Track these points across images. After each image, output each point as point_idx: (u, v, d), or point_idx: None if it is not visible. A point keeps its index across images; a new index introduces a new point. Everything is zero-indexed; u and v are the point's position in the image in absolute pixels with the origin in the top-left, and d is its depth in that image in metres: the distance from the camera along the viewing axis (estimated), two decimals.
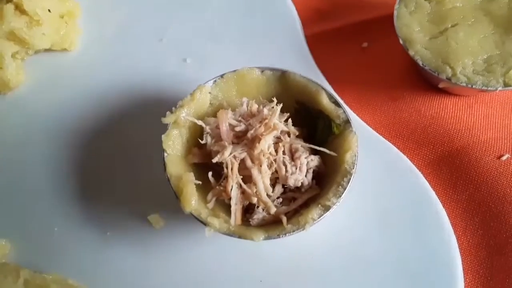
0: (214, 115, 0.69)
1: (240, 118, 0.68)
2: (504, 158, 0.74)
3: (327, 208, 0.61)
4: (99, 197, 0.76)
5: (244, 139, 0.66)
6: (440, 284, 0.66)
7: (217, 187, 0.64)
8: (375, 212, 0.71)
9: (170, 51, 0.90)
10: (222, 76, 0.72)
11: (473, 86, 0.72)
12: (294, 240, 0.63)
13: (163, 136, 0.66)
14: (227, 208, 0.64)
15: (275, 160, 0.64)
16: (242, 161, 0.64)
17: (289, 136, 0.67)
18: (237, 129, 0.66)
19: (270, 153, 0.64)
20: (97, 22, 0.95)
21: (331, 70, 0.85)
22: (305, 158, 0.65)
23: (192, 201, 0.61)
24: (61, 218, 0.74)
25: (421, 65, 0.75)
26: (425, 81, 0.82)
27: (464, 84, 0.72)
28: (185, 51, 0.90)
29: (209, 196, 0.64)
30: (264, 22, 0.93)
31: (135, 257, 0.71)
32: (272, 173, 0.64)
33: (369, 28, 0.90)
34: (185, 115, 0.68)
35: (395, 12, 0.80)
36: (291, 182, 0.64)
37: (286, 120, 0.68)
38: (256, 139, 0.64)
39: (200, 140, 0.67)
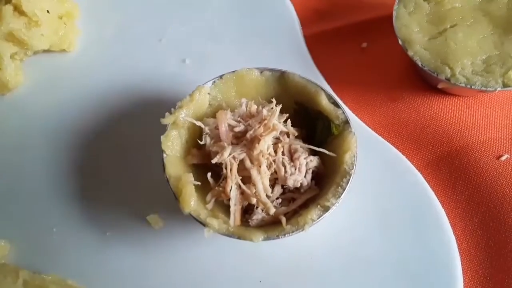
0: (213, 116, 0.69)
1: (239, 119, 0.68)
2: (503, 158, 0.74)
3: (326, 209, 0.61)
4: (98, 197, 0.76)
5: (243, 139, 0.66)
6: (440, 284, 0.66)
7: (216, 187, 0.64)
8: (374, 212, 0.71)
9: (169, 51, 0.90)
10: (221, 77, 0.72)
11: (472, 87, 0.72)
12: (294, 241, 0.64)
13: (162, 137, 0.66)
14: (226, 208, 0.64)
15: (274, 160, 0.64)
16: (241, 162, 0.64)
17: (288, 136, 0.67)
18: (236, 129, 0.66)
19: (269, 154, 0.64)
20: (96, 23, 0.95)
21: (330, 70, 0.85)
22: (304, 158, 0.65)
23: (191, 201, 0.61)
24: (60, 219, 0.74)
25: (420, 65, 0.75)
26: (424, 82, 0.82)
27: (463, 85, 0.72)
28: (184, 52, 0.90)
29: (208, 196, 0.64)
30: (263, 23, 0.93)
31: (135, 258, 0.71)
32: (271, 174, 0.64)
33: (368, 29, 0.90)
34: (184, 116, 0.68)
35: (394, 13, 0.80)
36: (290, 183, 0.64)
37: (285, 121, 0.68)
38: (255, 139, 0.64)
39: (199, 141, 0.67)
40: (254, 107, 0.69)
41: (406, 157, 0.76)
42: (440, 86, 0.77)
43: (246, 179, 0.63)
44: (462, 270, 0.67)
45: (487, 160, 0.74)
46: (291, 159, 0.65)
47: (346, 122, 0.67)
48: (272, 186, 0.64)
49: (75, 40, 0.92)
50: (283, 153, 0.65)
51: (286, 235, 0.60)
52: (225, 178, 0.63)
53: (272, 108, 0.67)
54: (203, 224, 0.61)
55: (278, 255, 0.69)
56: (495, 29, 0.76)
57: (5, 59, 0.84)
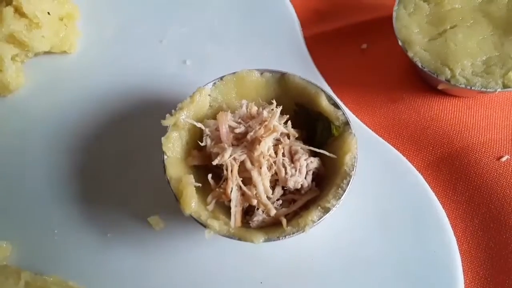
0: (214, 117, 0.69)
1: (239, 120, 0.68)
2: (503, 159, 0.74)
3: (326, 210, 0.61)
4: (99, 199, 0.76)
5: (244, 141, 0.66)
6: (440, 285, 0.66)
7: (217, 189, 0.64)
8: (375, 214, 0.71)
9: (170, 52, 0.90)
10: (221, 78, 0.72)
11: (472, 88, 0.72)
12: (294, 242, 0.64)
13: (163, 138, 0.66)
14: (227, 210, 0.64)
15: (274, 162, 0.64)
16: (242, 163, 0.64)
17: (288, 138, 0.67)
18: (237, 131, 0.67)
19: (270, 155, 0.64)
20: (96, 24, 0.95)
21: (330, 71, 0.85)
22: (305, 160, 0.65)
23: (192, 203, 0.61)
24: (61, 220, 0.74)
25: (420, 66, 0.75)
26: (424, 83, 0.82)
27: (463, 86, 0.72)
28: (185, 53, 0.90)
29: (209, 198, 0.64)
30: (264, 24, 0.93)
31: (135, 259, 0.71)
32: (272, 175, 0.64)
33: (368, 30, 0.90)
34: (185, 117, 0.68)
35: (394, 14, 0.80)
36: (291, 184, 0.64)
37: (285, 122, 0.68)
38: (256, 141, 0.64)
39: (199, 143, 0.68)
40: (254, 109, 0.69)
41: (407, 158, 0.76)
42: (440, 87, 0.77)
43: (247, 180, 0.63)
44: (463, 271, 0.67)
45: (487, 161, 0.74)
46: (292, 160, 0.65)
47: (347, 123, 0.67)
48: (273, 187, 0.65)
49: (76, 41, 0.92)
50: (283, 155, 0.65)
51: (287, 237, 0.60)
52: (226, 179, 0.63)
53: (273, 109, 0.67)
54: (204, 226, 0.61)
55: (278, 256, 0.69)
56: (495, 30, 0.76)
57: (6, 60, 0.84)
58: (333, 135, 0.68)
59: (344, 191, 0.62)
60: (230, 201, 0.63)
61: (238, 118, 0.68)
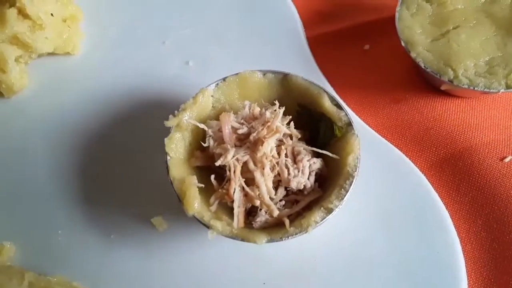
0: (217, 118, 0.69)
1: (242, 121, 0.68)
2: (507, 160, 0.74)
3: (329, 211, 0.61)
4: (103, 200, 0.76)
5: (247, 142, 0.66)
6: (444, 286, 0.66)
7: (220, 190, 0.64)
8: (377, 214, 0.71)
9: (173, 54, 0.91)
10: (224, 79, 0.72)
11: (475, 88, 0.72)
12: (297, 243, 0.64)
13: (166, 139, 0.66)
14: (229, 211, 0.64)
15: (277, 163, 0.64)
16: (245, 164, 0.64)
17: (291, 139, 0.68)
18: (240, 131, 0.67)
19: (272, 156, 0.64)
20: (99, 25, 0.95)
21: (333, 72, 0.85)
22: (308, 161, 0.65)
23: (195, 204, 0.62)
24: (65, 221, 0.74)
25: (423, 67, 0.75)
26: (427, 83, 0.82)
27: (466, 86, 0.72)
28: (188, 54, 0.90)
29: (212, 199, 0.64)
30: (266, 25, 0.93)
31: (139, 259, 0.71)
32: (275, 176, 0.64)
33: (371, 30, 0.90)
34: (188, 118, 0.68)
35: (397, 14, 0.80)
36: (294, 185, 0.64)
37: (288, 123, 0.68)
38: (258, 141, 0.64)
39: (202, 143, 0.68)
40: (257, 109, 0.69)
41: (410, 158, 0.76)
42: (443, 87, 0.77)
43: (250, 181, 0.64)
44: (466, 272, 0.67)
45: (490, 162, 0.74)
46: (294, 161, 0.65)
47: (349, 124, 0.67)
48: (276, 188, 0.65)
49: (79, 43, 0.92)
50: (286, 155, 0.65)
51: (290, 237, 0.60)
52: (229, 180, 0.63)
53: (275, 110, 0.67)
54: (207, 226, 0.61)
55: (281, 257, 0.69)
56: (498, 30, 0.76)
57: (9, 62, 0.84)
58: (335, 136, 0.68)
59: (347, 191, 0.62)
60: (233, 202, 0.63)
61: (240, 119, 0.68)
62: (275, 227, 0.63)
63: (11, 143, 0.83)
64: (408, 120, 0.80)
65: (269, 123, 0.65)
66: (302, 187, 0.65)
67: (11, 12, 0.82)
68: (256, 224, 0.63)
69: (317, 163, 0.66)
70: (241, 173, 0.63)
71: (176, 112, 0.68)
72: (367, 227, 0.71)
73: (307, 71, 0.85)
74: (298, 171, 0.64)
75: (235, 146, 0.66)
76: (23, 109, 0.86)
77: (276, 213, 0.62)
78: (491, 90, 0.71)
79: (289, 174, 0.64)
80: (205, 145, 0.67)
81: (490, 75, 0.72)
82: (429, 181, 0.73)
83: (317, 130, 0.71)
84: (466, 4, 0.79)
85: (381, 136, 0.78)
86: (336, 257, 0.69)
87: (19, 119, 0.85)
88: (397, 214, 0.71)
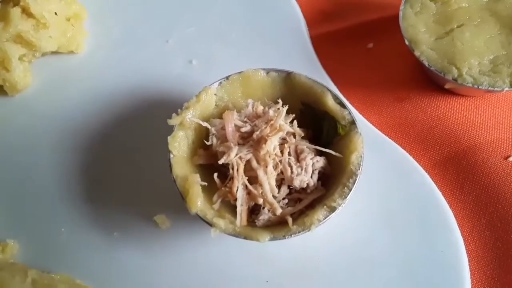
0: (220, 116, 0.69)
1: (245, 119, 0.68)
2: (511, 158, 0.74)
3: (332, 209, 0.61)
4: (106, 198, 0.76)
5: (250, 140, 0.66)
6: (447, 285, 0.66)
7: (223, 188, 0.64)
8: (381, 213, 0.71)
9: (176, 52, 0.91)
10: (227, 77, 0.72)
11: (479, 87, 0.72)
12: (300, 241, 0.64)
13: (169, 137, 0.67)
14: (232, 209, 0.64)
15: (280, 161, 0.64)
16: (248, 162, 0.64)
17: (294, 137, 0.67)
18: (243, 130, 0.67)
19: (275, 154, 0.64)
20: (103, 24, 0.96)
21: (336, 71, 0.85)
22: (311, 159, 0.65)
23: (198, 202, 0.62)
24: (68, 219, 0.75)
25: (427, 65, 0.74)
26: (431, 82, 0.82)
27: (470, 85, 0.72)
28: (191, 53, 0.90)
29: (215, 197, 0.64)
30: (269, 24, 0.93)
31: (142, 257, 0.71)
32: (278, 174, 0.64)
33: (375, 29, 0.90)
34: (191, 116, 0.68)
35: (401, 13, 0.80)
36: (297, 183, 0.64)
37: (291, 121, 0.68)
38: (262, 140, 0.64)
39: (205, 142, 0.68)
40: (260, 108, 0.69)
41: (413, 157, 0.75)
42: (447, 86, 0.77)
43: (253, 179, 0.64)
44: (470, 271, 0.67)
45: (494, 161, 0.74)
46: (298, 159, 0.65)
47: (353, 122, 0.67)
48: (279, 186, 0.65)
49: (83, 41, 0.92)
50: (289, 154, 0.65)
51: (293, 236, 0.60)
52: (232, 178, 0.63)
53: (279, 108, 0.67)
54: (210, 224, 0.61)
55: (284, 255, 0.69)
56: (502, 28, 0.75)
57: (13, 60, 0.84)
58: (339, 134, 0.68)
59: (350, 190, 0.62)
60: (236, 200, 0.63)
61: (244, 117, 0.68)
62: (278, 225, 0.63)
63: (15, 142, 0.83)
64: (411, 119, 0.80)
65: (272, 122, 0.65)
66: (305, 185, 0.64)
67: (15, 11, 0.83)
68: (259, 222, 0.63)
69: (320, 161, 0.66)
70: (244, 171, 0.63)
71: (179, 110, 0.68)
72: (370, 225, 0.70)
73: (310, 69, 0.84)
74: (301, 170, 0.64)
75: (238, 144, 0.66)
76: (27, 107, 0.87)
77: (279, 211, 0.62)
78: (495, 89, 0.71)
79: (292, 172, 0.64)
80: (208, 143, 0.67)
81: (494, 73, 0.72)
82: (432, 179, 0.73)
83: (321, 128, 0.71)
84: (470, 3, 0.79)
85: (385, 134, 0.78)
86: (339, 255, 0.69)
87: (23, 117, 0.86)
88: (400, 213, 0.71)
